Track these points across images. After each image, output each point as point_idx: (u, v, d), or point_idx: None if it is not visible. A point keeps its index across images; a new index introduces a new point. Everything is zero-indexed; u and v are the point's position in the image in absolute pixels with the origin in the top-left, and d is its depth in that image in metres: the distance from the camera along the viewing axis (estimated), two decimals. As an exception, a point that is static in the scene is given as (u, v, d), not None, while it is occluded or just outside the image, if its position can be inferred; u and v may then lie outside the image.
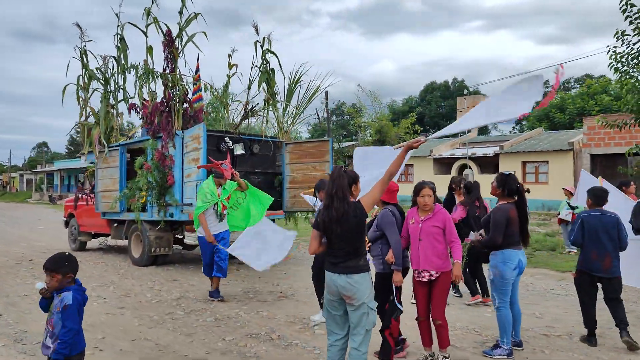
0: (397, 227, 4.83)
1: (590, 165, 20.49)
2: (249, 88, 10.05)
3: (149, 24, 9.89)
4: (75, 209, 12.04)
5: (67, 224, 13.45)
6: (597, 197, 5.52)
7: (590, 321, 5.46)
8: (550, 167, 24.46)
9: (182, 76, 9.32)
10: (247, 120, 10.13)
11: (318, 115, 33.91)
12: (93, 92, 11.40)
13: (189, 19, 9.37)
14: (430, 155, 28.47)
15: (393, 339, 4.75)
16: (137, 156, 11.05)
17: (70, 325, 3.20)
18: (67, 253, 3.40)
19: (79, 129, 12.03)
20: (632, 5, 14.37)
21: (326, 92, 28.74)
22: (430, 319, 4.72)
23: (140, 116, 9.66)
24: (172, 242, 10.20)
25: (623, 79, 15.50)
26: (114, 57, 10.93)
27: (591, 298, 5.46)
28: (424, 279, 4.67)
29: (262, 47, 10.78)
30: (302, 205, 10.39)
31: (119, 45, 10.96)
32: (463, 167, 27.71)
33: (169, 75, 9.01)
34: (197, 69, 10.80)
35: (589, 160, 20.60)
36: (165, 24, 9.71)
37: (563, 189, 12.78)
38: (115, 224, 11.37)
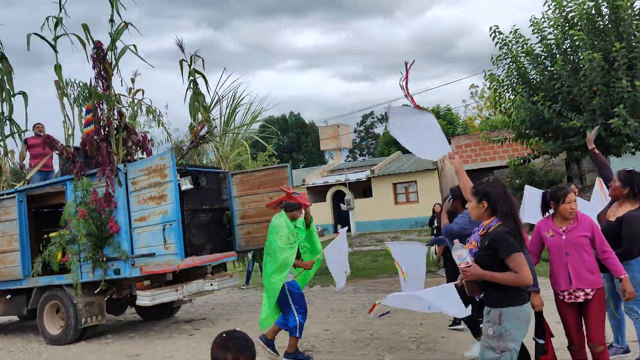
0: None
1: (462, 180, 22.15)
2: (207, 110, 8.49)
3: (59, 36, 7.90)
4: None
5: None
6: None
7: None
8: (419, 186, 25.99)
9: (121, 97, 7.53)
10: (196, 148, 8.56)
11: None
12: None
13: (119, 29, 7.65)
14: (303, 184, 28.29)
15: None
16: (42, 204, 8.73)
17: None
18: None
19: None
20: (500, 33, 15.96)
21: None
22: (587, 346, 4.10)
23: (60, 152, 7.53)
24: (104, 308, 8.06)
25: (500, 98, 17.08)
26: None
27: None
28: (579, 300, 4.01)
29: (189, 66, 9.36)
30: (259, 242, 9.11)
31: (1, 66, 8.62)
32: (337, 194, 28.03)
33: (106, 96, 7.16)
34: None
35: (460, 176, 22.25)
36: (77, 35, 7.84)
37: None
38: (9, 296, 8.70)
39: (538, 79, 15.50)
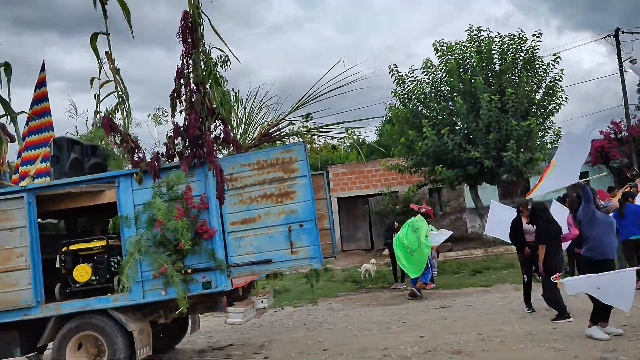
0: None
1: (338, 206, 23.16)
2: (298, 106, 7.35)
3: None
4: None
5: None
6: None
7: None
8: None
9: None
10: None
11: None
12: None
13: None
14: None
15: None
16: (53, 209, 6.76)
17: None
18: None
19: None
20: (398, 72, 17.87)
21: None
22: None
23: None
24: (151, 336, 6.51)
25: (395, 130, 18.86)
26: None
27: None
28: None
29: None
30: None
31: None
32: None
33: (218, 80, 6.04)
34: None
35: (336, 203, 23.25)
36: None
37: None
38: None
39: (442, 116, 17.52)
